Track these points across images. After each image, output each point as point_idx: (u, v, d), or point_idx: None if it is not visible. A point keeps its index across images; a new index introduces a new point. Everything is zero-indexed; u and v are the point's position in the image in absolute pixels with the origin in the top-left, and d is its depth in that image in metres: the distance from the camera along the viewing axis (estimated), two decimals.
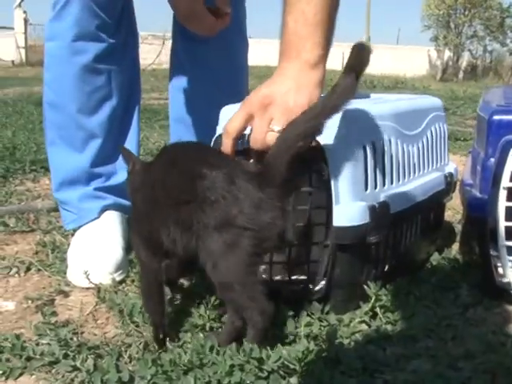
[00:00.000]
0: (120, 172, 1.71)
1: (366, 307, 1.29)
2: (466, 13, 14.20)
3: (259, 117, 1.12)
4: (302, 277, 1.28)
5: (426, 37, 16.00)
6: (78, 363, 1.11)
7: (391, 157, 1.33)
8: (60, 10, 1.57)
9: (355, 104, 1.36)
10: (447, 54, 15.32)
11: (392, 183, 1.34)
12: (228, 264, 1.04)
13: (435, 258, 1.63)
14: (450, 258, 1.64)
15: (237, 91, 1.76)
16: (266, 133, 1.10)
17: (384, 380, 1.06)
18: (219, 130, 1.34)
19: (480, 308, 1.40)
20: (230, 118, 1.16)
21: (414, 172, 1.45)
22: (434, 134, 1.55)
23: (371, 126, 1.27)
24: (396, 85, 8.72)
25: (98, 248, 1.56)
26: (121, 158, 1.66)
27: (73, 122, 1.65)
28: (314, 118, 1.04)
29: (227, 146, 1.15)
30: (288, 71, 1.12)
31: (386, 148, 1.31)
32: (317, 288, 1.28)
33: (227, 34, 1.73)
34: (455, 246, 1.74)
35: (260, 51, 16.17)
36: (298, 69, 1.11)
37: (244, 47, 1.89)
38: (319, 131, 1.06)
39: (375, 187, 1.28)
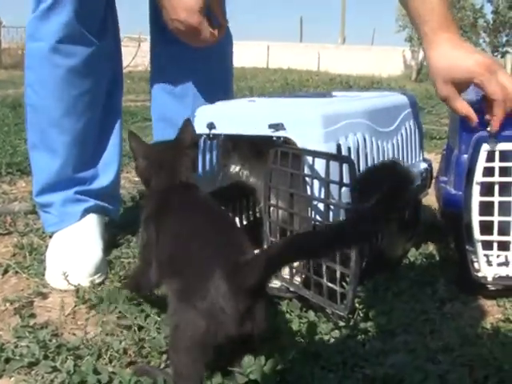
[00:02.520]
0: (102, 175, 1.70)
1: None
2: None
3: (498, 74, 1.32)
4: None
5: (401, 37, 16.08)
6: (57, 364, 1.11)
7: (366, 154, 1.34)
8: (47, 10, 1.51)
9: (328, 102, 1.38)
10: (422, 54, 15.43)
11: None
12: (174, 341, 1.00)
13: (413, 254, 1.65)
14: (428, 254, 1.66)
15: (223, 92, 1.75)
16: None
17: (364, 374, 1.07)
18: (197, 129, 1.35)
19: (457, 302, 1.42)
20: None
21: None
22: (408, 131, 1.57)
23: (345, 124, 1.28)
24: (372, 85, 8.77)
25: (77, 250, 1.55)
26: (102, 161, 1.72)
27: (57, 126, 1.61)
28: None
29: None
30: (461, 39, 1.39)
31: (360, 145, 1.32)
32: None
33: None
34: (432, 242, 1.76)
35: (235, 53, 16.17)
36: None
37: (230, 49, 1.88)
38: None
39: None
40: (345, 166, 1.11)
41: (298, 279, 1.30)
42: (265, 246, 1.33)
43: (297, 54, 16.92)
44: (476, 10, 13.87)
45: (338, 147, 1.25)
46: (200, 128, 1.36)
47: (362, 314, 1.28)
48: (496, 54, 13.52)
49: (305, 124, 1.22)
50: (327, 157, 1.14)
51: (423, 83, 11.42)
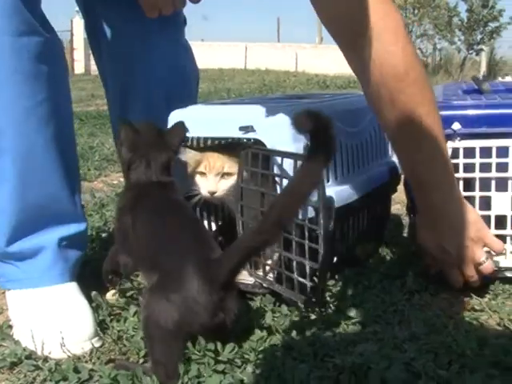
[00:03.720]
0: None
1: None
2: (416, 12, 14.45)
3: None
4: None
5: None
6: (39, 363, 1.15)
7: (335, 154, 1.39)
8: None
9: (296, 103, 1.43)
10: None
11: (336, 178, 1.40)
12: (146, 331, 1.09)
13: (384, 249, 1.70)
14: (398, 248, 1.72)
15: (184, 95, 1.69)
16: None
17: (334, 364, 1.11)
18: None
19: (425, 294, 1.47)
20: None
21: (359, 166, 1.52)
22: (377, 130, 1.62)
23: None
24: (349, 84, 8.85)
25: (70, 312, 1.28)
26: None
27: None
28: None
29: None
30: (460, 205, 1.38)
31: None
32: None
33: (168, 38, 1.66)
34: (403, 237, 1.81)
35: (213, 55, 16.23)
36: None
37: (184, 51, 1.76)
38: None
39: None
40: None
41: (271, 275, 1.35)
42: None
43: (275, 54, 16.98)
44: (451, 9, 14.03)
45: (307, 147, 1.30)
46: None
47: (333, 307, 1.34)
48: (471, 51, 13.69)
49: (274, 126, 1.27)
50: (295, 157, 1.19)
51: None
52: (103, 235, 1.88)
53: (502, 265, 1.47)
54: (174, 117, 1.43)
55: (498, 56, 13.38)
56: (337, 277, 1.45)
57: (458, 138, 1.40)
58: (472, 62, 13.81)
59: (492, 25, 13.64)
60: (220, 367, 1.08)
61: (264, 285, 1.35)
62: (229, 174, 1.33)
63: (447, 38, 14.12)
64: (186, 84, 1.71)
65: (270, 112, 1.31)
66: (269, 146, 1.27)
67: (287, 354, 1.15)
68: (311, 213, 1.23)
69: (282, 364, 1.10)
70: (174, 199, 1.24)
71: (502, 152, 1.41)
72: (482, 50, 13.27)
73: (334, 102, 1.52)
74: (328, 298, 1.35)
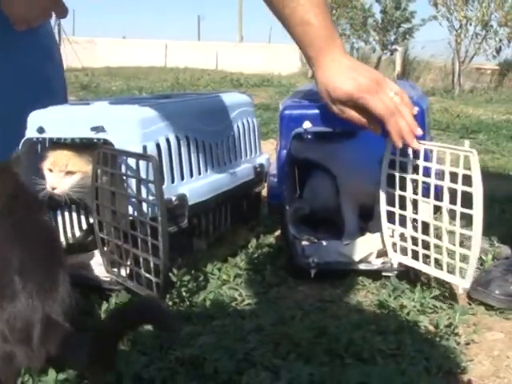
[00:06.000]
0: None
1: (174, 292, 1.37)
2: (333, 12, 14.69)
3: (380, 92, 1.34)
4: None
5: None
6: None
7: (189, 152, 1.43)
8: None
9: (150, 105, 1.46)
10: None
11: (192, 176, 1.44)
12: None
13: (253, 245, 1.75)
14: (266, 244, 1.76)
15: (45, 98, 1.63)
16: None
17: (176, 356, 1.15)
18: (29, 134, 1.41)
19: (284, 287, 1.53)
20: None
21: (219, 164, 1.56)
22: (241, 128, 1.67)
23: (166, 124, 1.36)
24: (262, 83, 8.94)
25: None
26: None
27: None
28: None
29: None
30: (345, 58, 1.38)
31: (182, 144, 1.40)
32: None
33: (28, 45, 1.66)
34: (273, 233, 1.87)
35: (133, 52, 16.09)
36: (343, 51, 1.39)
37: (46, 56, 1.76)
38: None
39: (172, 181, 1.37)
40: (150, 165, 1.20)
41: (123, 272, 1.37)
42: (97, 242, 1.40)
43: (195, 52, 16.96)
44: (365, 10, 14.34)
45: (158, 147, 1.33)
46: (31, 132, 1.41)
47: (188, 302, 1.37)
48: (385, 51, 14.03)
49: (124, 126, 1.30)
50: (138, 157, 1.22)
51: None
52: None
53: (356, 258, 1.55)
54: (33, 118, 1.43)
55: (411, 56, 13.73)
56: (196, 272, 1.48)
57: (309, 136, 1.46)
58: (388, 62, 14.17)
59: (405, 26, 14.04)
60: None
61: (119, 281, 1.37)
62: (72, 172, 1.34)
63: (363, 38, 14.43)
64: (47, 89, 1.72)
65: (121, 112, 1.33)
66: (117, 145, 1.29)
67: (132, 347, 1.18)
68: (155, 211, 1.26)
69: (126, 356, 1.12)
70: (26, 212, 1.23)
71: None
72: (396, 49, 13.61)
73: (194, 102, 1.55)
74: (184, 293, 1.38)
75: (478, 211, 1.29)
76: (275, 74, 12.67)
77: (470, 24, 10.68)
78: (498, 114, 5.96)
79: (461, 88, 10.20)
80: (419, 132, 1.35)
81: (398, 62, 13.37)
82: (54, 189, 1.35)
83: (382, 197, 1.47)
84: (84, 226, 1.62)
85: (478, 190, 1.29)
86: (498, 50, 10.78)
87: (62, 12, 1.60)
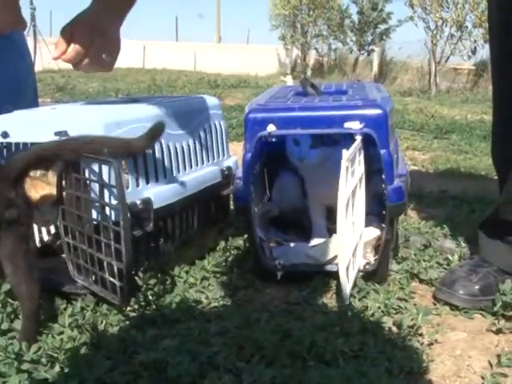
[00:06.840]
0: None
1: (140, 295, 1.38)
2: (311, 13, 14.74)
3: None
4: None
5: (275, 36, 16.39)
6: None
7: (155, 155, 1.43)
8: None
9: (114, 109, 1.46)
10: (295, 52, 15.84)
11: (157, 180, 1.44)
12: None
13: (221, 247, 1.76)
14: (235, 246, 1.77)
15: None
16: None
17: (139, 360, 1.15)
18: None
19: (251, 290, 1.54)
20: None
21: (185, 168, 1.56)
22: (208, 132, 1.67)
23: (129, 129, 1.36)
24: (239, 84, 8.94)
25: None
26: None
27: None
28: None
29: None
30: None
31: None
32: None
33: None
34: (243, 235, 1.87)
35: None
36: None
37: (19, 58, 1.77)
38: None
39: (137, 185, 1.37)
40: (111, 169, 1.20)
41: (89, 277, 1.37)
42: (64, 247, 1.40)
43: (173, 53, 16.89)
44: (342, 11, 14.39)
45: None
46: None
47: (153, 305, 1.37)
48: (363, 52, 14.09)
49: (87, 131, 1.30)
50: (100, 161, 1.22)
51: (296, 80, 11.75)
52: None
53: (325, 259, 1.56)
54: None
55: (388, 57, 13.80)
56: (163, 275, 1.49)
57: (273, 139, 1.47)
58: (366, 63, 14.23)
59: (382, 27, 14.10)
60: (25, 366, 1.10)
61: (85, 285, 1.37)
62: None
63: (340, 38, 14.49)
64: (17, 89, 1.72)
65: (85, 117, 1.34)
66: None
67: (96, 351, 1.18)
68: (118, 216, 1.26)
69: (90, 360, 1.13)
70: None
71: None
72: (373, 50, 13.69)
73: (160, 105, 1.55)
74: (150, 297, 1.38)
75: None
76: (253, 74, 12.67)
77: (446, 25, 10.75)
78: (473, 114, 6.01)
79: (437, 88, 10.27)
80: None
81: (376, 63, 13.47)
82: None
83: None
84: (52, 231, 1.61)
85: None
86: (474, 51, 10.87)
87: (23, 28, 1.70)
